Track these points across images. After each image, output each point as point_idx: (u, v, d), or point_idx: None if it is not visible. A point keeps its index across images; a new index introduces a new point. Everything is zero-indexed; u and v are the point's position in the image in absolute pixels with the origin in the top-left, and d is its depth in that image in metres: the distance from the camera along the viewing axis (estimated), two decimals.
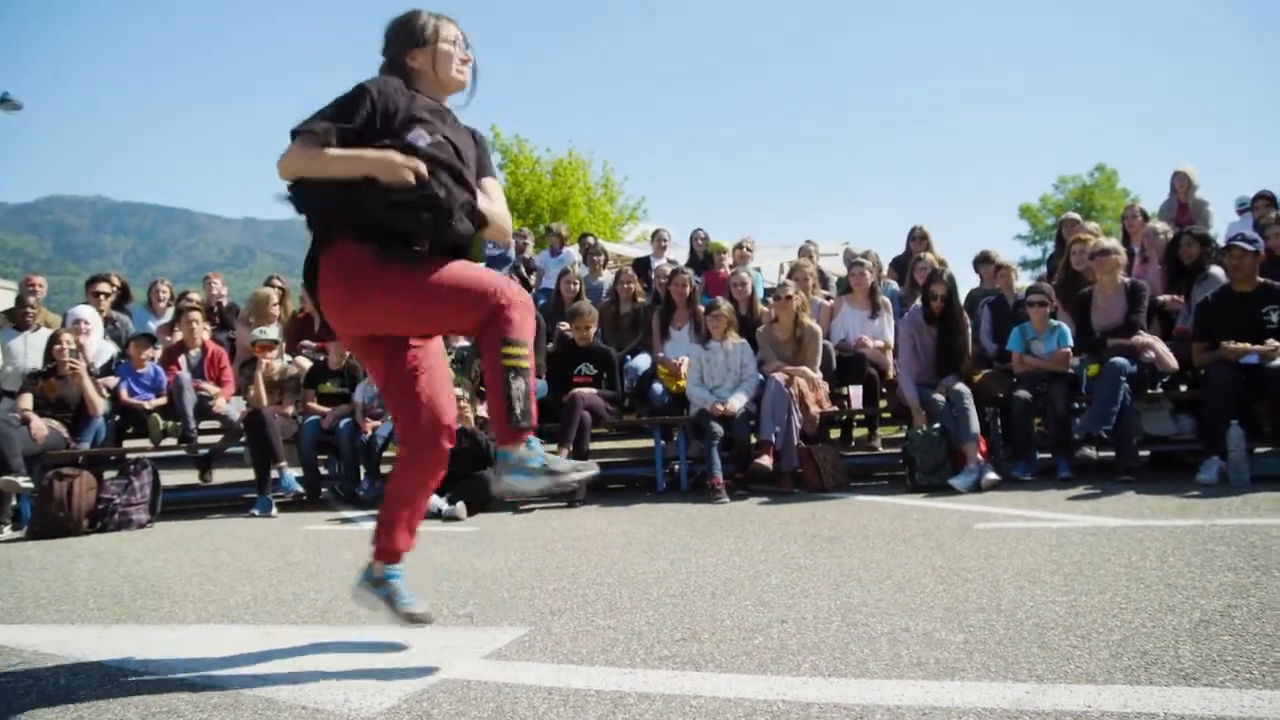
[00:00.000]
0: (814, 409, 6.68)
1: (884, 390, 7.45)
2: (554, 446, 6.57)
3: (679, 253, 11.27)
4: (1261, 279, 6.01)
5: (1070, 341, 6.55)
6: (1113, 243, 6.74)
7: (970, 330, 6.82)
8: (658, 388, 7.40)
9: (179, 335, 8.19)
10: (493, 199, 2.81)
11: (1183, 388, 6.83)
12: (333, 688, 2.43)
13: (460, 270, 2.62)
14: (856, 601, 3.05)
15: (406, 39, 2.78)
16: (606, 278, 9.44)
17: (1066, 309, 6.99)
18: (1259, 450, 5.79)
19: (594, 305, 7.83)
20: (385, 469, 7.36)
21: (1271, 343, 5.72)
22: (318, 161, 2.52)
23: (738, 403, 6.59)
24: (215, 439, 7.89)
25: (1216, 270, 6.75)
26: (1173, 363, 6.18)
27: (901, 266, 9.18)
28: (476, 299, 2.57)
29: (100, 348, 8.17)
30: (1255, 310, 5.89)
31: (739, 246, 9.51)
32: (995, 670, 2.25)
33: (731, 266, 9.18)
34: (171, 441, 7.48)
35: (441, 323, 2.82)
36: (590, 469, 2.79)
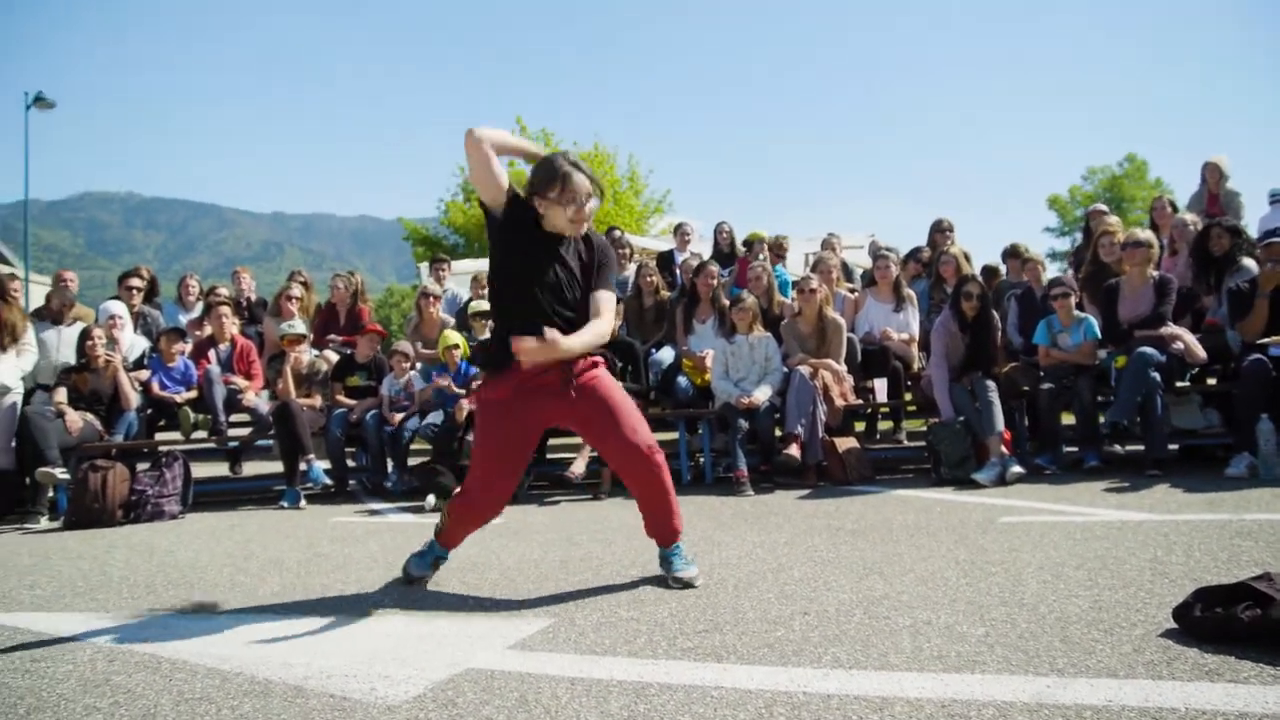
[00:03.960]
0: (839, 401, 6.67)
1: (909, 383, 7.42)
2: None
3: (703, 246, 11.25)
4: None
5: (1097, 334, 6.50)
6: (1148, 235, 6.66)
7: (1000, 331, 6.75)
8: (682, 381, 7.41)
9: (208, 329, 8.29)
10: (600, 311, 3.36)
11: (1211, 381, 6.76)
12: (359, 677, 2.47)
13: None
14: (879, 594, 3.06)
15: (539, 182, 3.24)
16: (631, 271, 9.46)
17: (1094, 301, 6.94)
18: None
19: (619, 298, 7.84)
20: (413, 461, 7.44)
21: None
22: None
23: (762, 395, 6.60)
24: (244, 432, 7.99)
25: (1249, 261, 6.68)
26: (1201, 354, 6.11)
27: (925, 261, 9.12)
28: None
29: (132, 342, 8.29)
30: None
31: (776, 244, 9.39)
32: (1016, 664, 2.26)
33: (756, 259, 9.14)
34: (202, 434, 7.58)
35: None
36: None
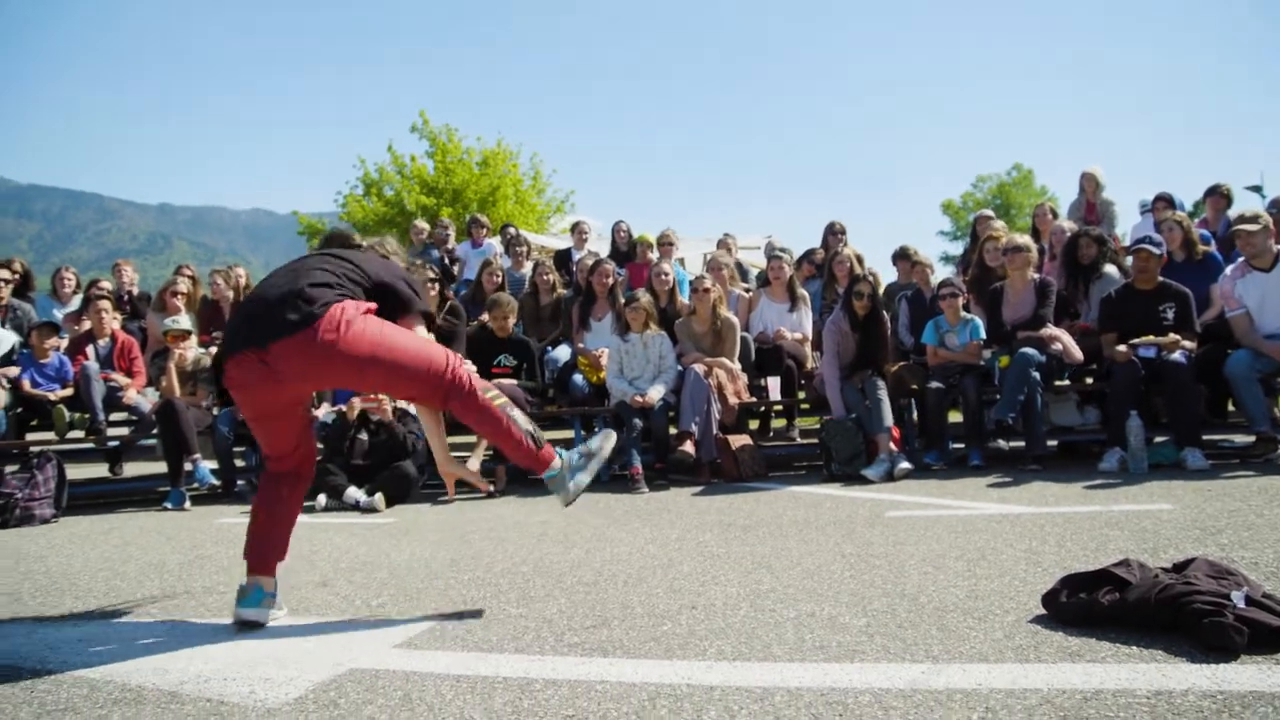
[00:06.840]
0: (732, 400, 6.76)
1: (802, 381, 7.56)
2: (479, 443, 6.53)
3: (601, 244, 11.27)
4: (1161, 278, 6.25)
5: (983, 334, 6.73)
6: (1025, 240, 6.94)
7: (889, 329, 6.94)
8: (578, 379, 7.41)
9: (87, 324, 7.93)
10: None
11: (1088, 380, 7.07)
12: (239, 680, 2.40)
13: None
14: (765, 588, 3.11)
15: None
16: (529, 269, 9.42)
17: (979, 303, 7.18)
18: (1157, 440, 6.03)
19: (515, 297, 7.79)
20: None
21: (1173, 336, 5.96)
22: None
23: (656, 394, 6.64)
24: (125, 431, 7.66)
25: (1111, 269, 7.06)
26: (1078, 355, 6.39)
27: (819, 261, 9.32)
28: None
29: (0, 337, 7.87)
30: (1154, 307, 6.14)
31: (662, 239, 9.55)
32: (894, 652, 2.32)
33: (658, 260, 9.23)
34: (79, 434, 7.25)
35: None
36: (610, 438, 3.53)
